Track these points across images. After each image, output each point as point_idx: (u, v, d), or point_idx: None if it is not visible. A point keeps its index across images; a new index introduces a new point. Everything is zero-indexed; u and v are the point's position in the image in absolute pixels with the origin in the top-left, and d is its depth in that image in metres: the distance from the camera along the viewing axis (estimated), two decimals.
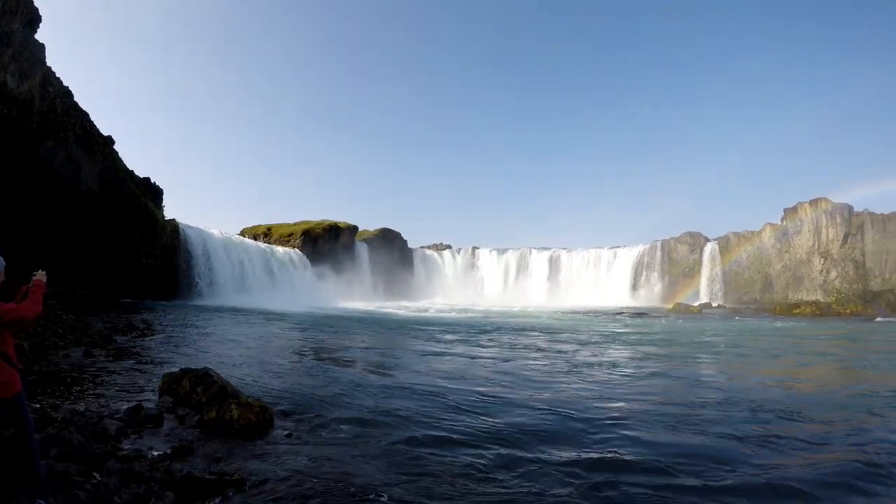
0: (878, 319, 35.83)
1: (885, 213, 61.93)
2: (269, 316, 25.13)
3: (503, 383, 9.63)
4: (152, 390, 7.12)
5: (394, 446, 5.52)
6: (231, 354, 11.79)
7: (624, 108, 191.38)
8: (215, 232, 38.83)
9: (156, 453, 4.75)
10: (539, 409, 7.65)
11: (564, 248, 67.11)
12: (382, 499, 4.12)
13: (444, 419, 6.82)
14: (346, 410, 6.94)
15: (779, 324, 31.27)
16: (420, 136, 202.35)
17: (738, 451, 5.65)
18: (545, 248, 67.41)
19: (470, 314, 35.87)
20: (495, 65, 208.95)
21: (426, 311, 39.64)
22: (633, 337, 21.25)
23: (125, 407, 6.09)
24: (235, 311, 27.41)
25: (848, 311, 46.05)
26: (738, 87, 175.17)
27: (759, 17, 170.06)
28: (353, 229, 57.92)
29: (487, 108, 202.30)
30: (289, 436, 5.65)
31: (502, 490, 4.45)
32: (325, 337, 17.56)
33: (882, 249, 61.16)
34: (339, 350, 14.38)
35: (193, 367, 7.03)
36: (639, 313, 43.33)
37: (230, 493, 4.03)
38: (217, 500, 3.92)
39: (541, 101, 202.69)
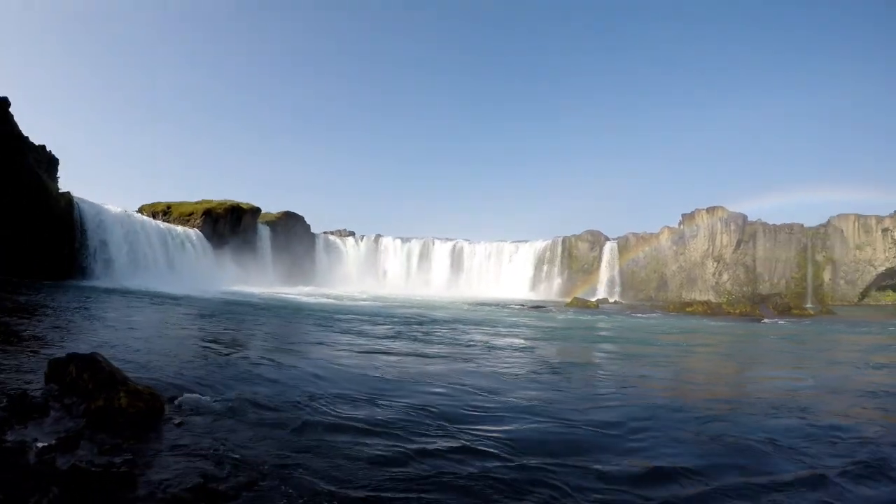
0: (765, 321, 39.03)
1: (777, 223, 69.62)
2: (165, 299, 25.46)
3: (402, 371, 10.32)
4: (38, 377, 7.09)
5: (291, 435, 5.81)
6: (123, 339, 11.85)
7: (538, 108, 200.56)
8: (112, 208, 38.60)
9: (41, 445, 4.74)
10: (444, 395, 8.29)
11: (467, 240, 71.98)
12: (278, 491, 4.30)
13: (344, 406, 7.19)
14: (242, 398, 7.15)
15: (670, 320, 34.46)
16: (325, 120, 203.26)
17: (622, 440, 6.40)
18: (448, 239, 71.95)
19: (372, 302, 37.46)
20: (426, 55, 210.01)
21: (327, 297, 41.09)
22: (536, 328, 23.00)
23: (8, 396, 6.03)
24: (130, 293, 27.60)
25: (737, 311, 51.82)
26: (648, 93, 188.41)
27: (679, 25, 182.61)
28: (256, 211, 59.13)
29: (394, 99, 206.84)
30: (180, 424, 5.80)
31: (402, 477, 4.86)
32: (222, 322, 17.77)
33: (772, 257, 69.38)
34: (237, 336, 14.59)
35: (82, 352, 7.05)
36: (538, 306, 46.39)
37: (118, 486, 4.08)
38: (104, 493, 3.96)
39: (459, 95, 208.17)
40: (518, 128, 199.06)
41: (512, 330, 22.14)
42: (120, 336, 12.64)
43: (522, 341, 17.75)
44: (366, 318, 23.92)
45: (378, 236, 71.63)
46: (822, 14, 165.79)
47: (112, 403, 5.80)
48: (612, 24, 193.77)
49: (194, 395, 7.17)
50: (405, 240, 71.49)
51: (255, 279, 52.42)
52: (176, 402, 6.77)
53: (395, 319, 23.81)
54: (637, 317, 38.80)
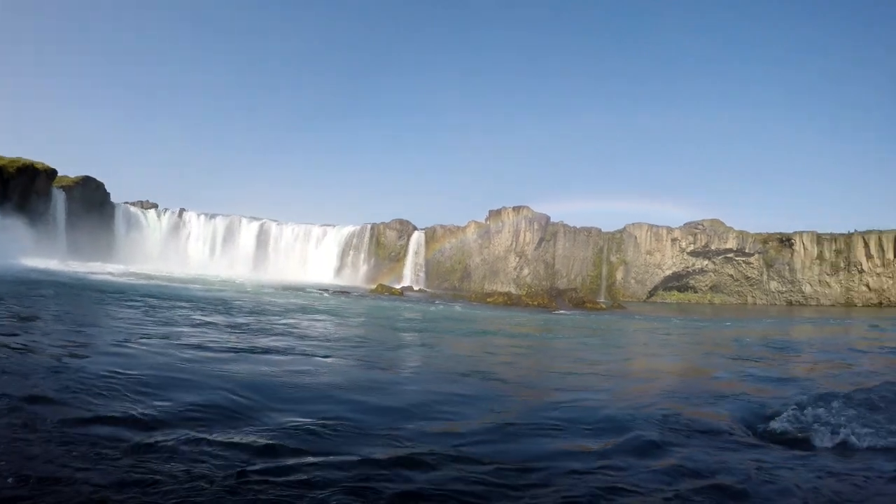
0: (560, 312, 42.94)
1: (577, 226, 75.50)
2: None
3: (195, 361, 10.11)
4: None
5: (63, 426, 5.58)
6: None
7: (358, 97, 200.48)
8: None
9: None
10: (239, 382, 8.33)
11: (275, 220, 72.39)
12: (40, 484, 4.18)
13: (126, 397, 6.97)
14: (11, 389, 6.82)
15: (471, 309, 37.91)
16: (132, 75, 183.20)
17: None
18: (256, 218, 71.88)
19: (170, 283, 37.46)
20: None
21: (124, 275, 40.67)
22: (338, 314, 24.09)
23: None
24: None
25: (535, 303, 54.49)
26: (471, 93, 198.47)
27: (506, 25, 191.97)
28: (52, 173, 56.33)
29: (208, 62, 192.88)
30: None
31: (162, 474, 4.74)
32: (4, 303, 16.81)
33: (570, 255, 76.28)
34: (19, 320, 13.93)
35: None
36: (344, 291, 48.56)
37: None
38: None
39: (288, 71, 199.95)
40: (336, 112, 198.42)
41: (314, 316, 22.78)
42: None
43: (323, 326, 18.61)
44: (163, 299, 23.55)
45: (182, 210, 70.72)
46: (646, 34, 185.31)
47: None
48: (439, 20, 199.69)
49: None
50: (210, 216, 71.05)
51: (46, 251, 49.68)
52: None
53: (194, 302, 23.62)
54: (439, 305, 41.91)
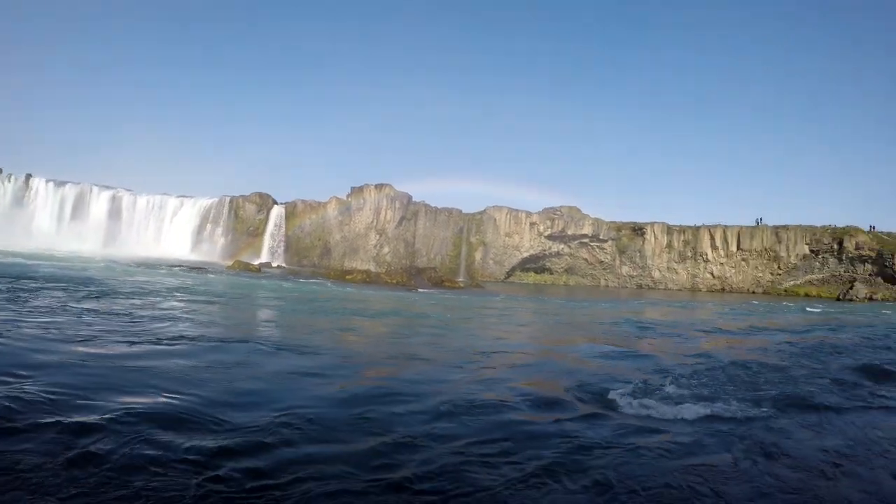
0: (420, 290, 44.55)
1: (438, 207, 78.00)
2: None
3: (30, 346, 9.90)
4: None
5: None
6: None
7: (221, 60, 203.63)
8: None
9: None
10: (81, 369, 8.45)
11: (129, 190, 70.13)
12: None
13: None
14: None
15: (329, 287, 39.03)
16: None
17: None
18: (108, 187, 69.21)
19: (18, 259, 36.67)
20: None
21: None
22: (189, 294, 23.82)
23: None
24: None
25: (395, 281, 53.74)
26: (330, 66, 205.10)
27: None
28: None
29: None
30: None
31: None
32: None
33: (431, 235, 79.18)
34: None
35: None
36: (199, 268, 48.09)
37: None
38: None
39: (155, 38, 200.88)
40: (197, 76, 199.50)
41: (194, 297, 22.66)
42: None
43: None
44: (12, 279, 22.81)
45: (29, 176, 67.26)
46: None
47: None
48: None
49: None
50: (59, 183, 67.96)
51: None
52: None
53: (58, 283, 23.07)
54: (297, 281, 42.76)
